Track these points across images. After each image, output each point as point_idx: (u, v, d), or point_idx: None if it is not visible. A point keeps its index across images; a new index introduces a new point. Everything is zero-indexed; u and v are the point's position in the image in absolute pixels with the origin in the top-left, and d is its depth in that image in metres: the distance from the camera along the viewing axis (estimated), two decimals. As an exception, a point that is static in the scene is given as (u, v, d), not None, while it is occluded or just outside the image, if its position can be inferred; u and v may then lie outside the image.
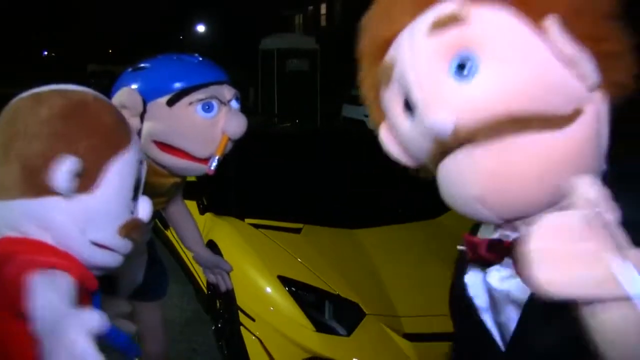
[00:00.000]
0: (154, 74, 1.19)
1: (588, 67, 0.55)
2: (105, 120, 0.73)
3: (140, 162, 0.78)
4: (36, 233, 0.71)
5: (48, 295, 0.58)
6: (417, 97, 0.58)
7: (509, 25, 0.56)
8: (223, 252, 2.43)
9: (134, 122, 1.17)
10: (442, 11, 0.57)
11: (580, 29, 0.55)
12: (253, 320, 2.21)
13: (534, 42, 0.55)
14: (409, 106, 0.61)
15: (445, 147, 0.58)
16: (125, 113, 1.17)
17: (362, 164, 3.42)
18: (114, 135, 0.73)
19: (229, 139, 1.20)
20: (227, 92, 1.21)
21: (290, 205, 2.80)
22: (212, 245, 2.51)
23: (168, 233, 3.25)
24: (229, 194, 2.92)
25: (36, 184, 0.68)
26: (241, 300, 2.27)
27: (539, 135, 0.54)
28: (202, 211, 2.84)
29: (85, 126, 0.71)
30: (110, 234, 0.73)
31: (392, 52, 0.63)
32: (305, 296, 2.15)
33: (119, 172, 0.72)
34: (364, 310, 2.07)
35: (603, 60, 0.55)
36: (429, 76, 0.58)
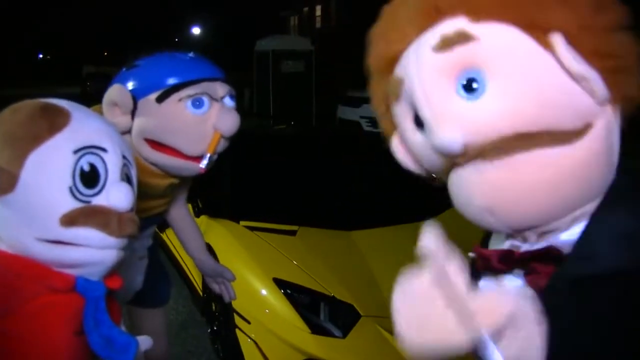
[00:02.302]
0: (144, 72, 1.18)
1: (596, 83, 0.54)
2: (16, 118, 0.73)
3: (95, 152, 0.75)
4: None
5: None
6: (425, 114, 0.59)
7: (516, 42, 0.55)
8: (218, 255, 2.42)
9: (124, 119, 1.16)
10: (449, 28, 0.57)
11: (586, 45, 0.54)
12: (248, 322, 2.21)
13: (542, 59, 0.55)
14: (419, 121, 0.61)
15: (455, 162, 0.58)
16: (116, 110, 1.16)
17: (357, 166, 3.43)
18: (27, 130, 0.72)
19: (222, 136, 1.17)
20: (219, 88, 1.18)
21: (285, 208, 2.80)
22: (207, 248, 2.50)
23: (163, 236, 3.24)
24: (224, 197, 2.92)
25: None
26: (236, 302, 2.26)
27: (548, 150, 0.54)
28: (198, 214, 2.83)
29: None
30: (51, 227, 0.72)
31: (400, 68, 0.63)
32: (301, 298, 2.14)
33: (40, 164, 0.71)
34: (360, 312, 2.07)
35: (611, 75, 0.55)
36: (436, 94, 0.58)
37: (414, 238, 2.34)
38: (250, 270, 2.27)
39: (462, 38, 0.56)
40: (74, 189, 0.72)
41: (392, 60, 0.64)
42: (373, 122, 9.07)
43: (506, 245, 0.65)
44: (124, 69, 1.21)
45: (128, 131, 1.17)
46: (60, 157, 0.72)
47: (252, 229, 2.51)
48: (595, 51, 0.54)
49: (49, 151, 0.72)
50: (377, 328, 2.02)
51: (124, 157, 0.80)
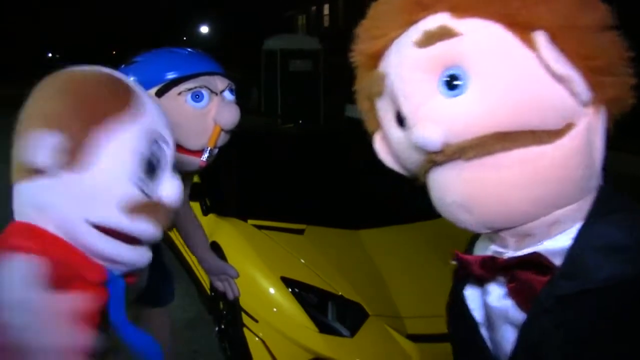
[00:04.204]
0: (143, 67, 1.18)
1: (578, 84, 0.53)
2: (93, 92, 0.68)
3: (157, 140, 0.72)
4: (37, 218, 0.69)
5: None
6: (405, 110, 0.58)
7: (498, 39, 0.54)
8: (226, 253, 2.42)
9: None
10: (432, 24, 0.56)
11: (569, 45, 0.53)
12: (256, 321, 2.21)
13: (524, 58, 0.54)
14: (400, 117, 0.60)
15: (434, 160, 0.58)
16: None
17: (365, 164, 3.41)
18: (105, 108, 0.67)
19: (222, 130, 1.18)
20: (219, 82, 1.19)
21: (293, 206, 2.80)
22: (215, 247, 2.51)
23: (171, 234, 3.25)
24: (232, 195, 2.92)
25: (26, 165, 0.66)
26: (244, 301, 2.27)
27: (527, 149, 0.54)
28: (205, 212, 2.84)
29: (68, 101, 0.67)
30: (110, 214, 0.67)
31: (383, 63, 0.62)
32: (308, 297, 2.14)
33: (115, 146, 0.67)
34: (367, 311, 2.07)
35: (595, 76, 0.54)
36: (417, 90, 0.57)
37: (421, 237, 2.35)
38: (258, 269, 2.27)
39: (445, 33, 0.55)
40: (137, 175, 0.68)
41: (376, 56, 0.63)
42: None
43: (489, 251, 0.64)
44: (122, 66, 1.22)
45: None
46: (134, 141, 0.68)
47: (260, 227, 2.51)
48: (578, 51, 0.53)
49: (121, 133, 0.67)
50: (385, 327, 2.01)
51: (173, 157, 0.78)
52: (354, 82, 0.69)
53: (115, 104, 0.68)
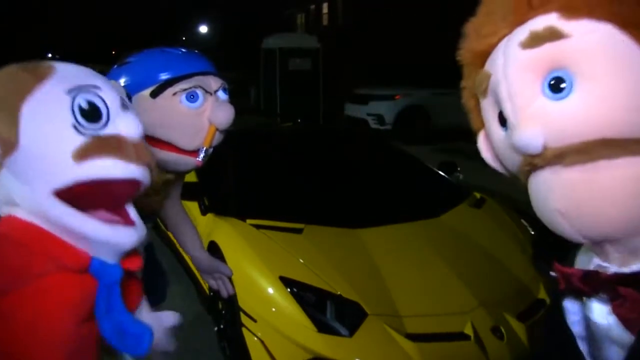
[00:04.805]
0: (137, 67, 1.18)
1: None
2: (2, 79, 0.70)
3: (82, 90, 0.71)
4: (8, 209, 0.70)
5: None
6: (508, 111, 0.57)
7: (610, 41, 0.52)
8: (224, 253, 2.42)
9: None
10: (539, 25, 0.55)
11: None
12: (255, 321, 2.20)
13: (638, 61, 0.51)
14: (502, 117, 0.60)
15: (532, 163, 0.57)
16: None
17: (364, 163, 3.41)
18: (12, 87, 0.69)
19: (217, 129, 1.17)
20: (213, 82, 1.19)
21: (291, 205, 2.79)
22: (213, 246, 2.50)
23: (170, 233, 3.25)
24: (231, 194, 2.91)
25: None
26: (243, 301, 2.26)
27: (634, 158, 0.51)
28: (204, 212, 2.83)
29: None
30: (65, 168, 0.67)
31: (489, 62, 0.62)
32: (307, 296, 2.13)
33: (36, 113, 0.68)
34: (366, 311, 2.06)
35: None
36: (521, 91, 0.56)
37: (420, 236, 2.35)
38: (256, 269, 2.26)
39: (552, 35, 0.54)
40: (77, 125, 0.68)
41: (483, 55, 0.63)
42: (380, 119, 9.05)
43: (592, 265, 0.61)
44: (115, 66, 1.22)
45: None
46: (54, 100, 0.69)
47: (258, 227, 2.51)
48: None
49: (41, 98, 0.68)
50: (384, 327, 2.01)
51: (120, 97, 0.77)
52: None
53: (26, 82, 0.69)
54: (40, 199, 0.68)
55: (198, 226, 2.88)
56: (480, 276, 2.32)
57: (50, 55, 42.81)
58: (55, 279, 0.69)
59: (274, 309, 2.15)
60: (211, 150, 1.21)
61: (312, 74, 10.31)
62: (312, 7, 22.09)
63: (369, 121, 8.88)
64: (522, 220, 2.89)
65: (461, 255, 2.44)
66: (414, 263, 2.36)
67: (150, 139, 1.17)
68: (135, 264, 0.78)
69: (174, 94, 1.14)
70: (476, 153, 0.71)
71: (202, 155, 1.19)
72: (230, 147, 3.52)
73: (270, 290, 2.18)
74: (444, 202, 2.88)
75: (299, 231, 2.48)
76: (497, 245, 2.56)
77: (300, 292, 2.14)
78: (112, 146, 0.69)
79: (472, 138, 0.73)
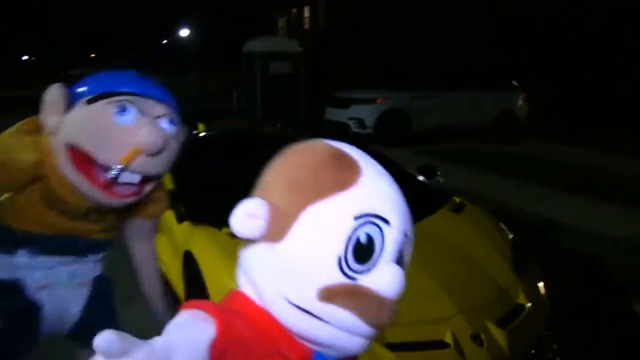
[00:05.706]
0: (89, 81, 1.27)
1: None
2: (305, 162, 0.68)
3: (374, 221, 0.65)
4: (245, 285, 0.69)
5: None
6: None
7: None
8: (200, 263, 2.36)
9: (55, 119, 1.21)
10: None
11: None
12: (231, 332, 2.14)
13: None
14: None
15: None
16: (50, 109, 1.22)
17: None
18: (312, 179, 0.66)
19: (140, 152, 1.19)
20: (155, 108, 1.23)
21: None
22: (189, 256, 2.44)
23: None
24: (208, 202, 2.85)
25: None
26: (219, 311, 2.21)
27: None
28: (180, 220, 2.76)
29: (286, 174, 0.69)
30: (307, 295, 0.63)
31: None
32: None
33: (315, 221, 0.63)
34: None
35: None
36: None
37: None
38: (232, 278, 2.20)
39: None
40: (343, 260, 0.63)
41: None
42: (361, 123, 9.04)
43: None
44: (72, 85, 1.30)
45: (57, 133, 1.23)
46: (339, 219, 0.64)
47: (234, 235, 2.44)
48: None
49: (328, 209, 0.64)
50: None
51: (405, 234, 0.71)
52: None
53: (327, 183, 0.65)
54: (276, 297, 0.66)
55: (173, 235, 2.82)
56: (460, 282, 2.30)
57: (26, 57, 42.02)
58: None
59: (251, 320, 2.09)
60: (136, 176, 1.22)
61: (293, 78, 10.29)
62: (294, 11, 22.10)
63: (350, 125, 8.85)
64: (501, 224, 2.88)
65: (441, 261, 2.41)
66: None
67: (73, 151, 1.21)
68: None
69: (107, 103, 1.19)
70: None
71: (113, 172, 1.19)
72: (207, 153, 3.46)
73: (247, 301, 2.12)
74: (423, 208, 2.86)
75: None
76: (477, 250, 2.54)
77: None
78: (361, 303, 0.64)
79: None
